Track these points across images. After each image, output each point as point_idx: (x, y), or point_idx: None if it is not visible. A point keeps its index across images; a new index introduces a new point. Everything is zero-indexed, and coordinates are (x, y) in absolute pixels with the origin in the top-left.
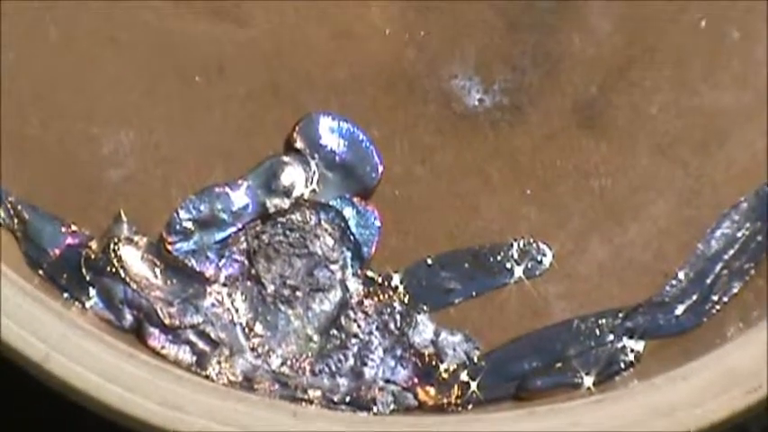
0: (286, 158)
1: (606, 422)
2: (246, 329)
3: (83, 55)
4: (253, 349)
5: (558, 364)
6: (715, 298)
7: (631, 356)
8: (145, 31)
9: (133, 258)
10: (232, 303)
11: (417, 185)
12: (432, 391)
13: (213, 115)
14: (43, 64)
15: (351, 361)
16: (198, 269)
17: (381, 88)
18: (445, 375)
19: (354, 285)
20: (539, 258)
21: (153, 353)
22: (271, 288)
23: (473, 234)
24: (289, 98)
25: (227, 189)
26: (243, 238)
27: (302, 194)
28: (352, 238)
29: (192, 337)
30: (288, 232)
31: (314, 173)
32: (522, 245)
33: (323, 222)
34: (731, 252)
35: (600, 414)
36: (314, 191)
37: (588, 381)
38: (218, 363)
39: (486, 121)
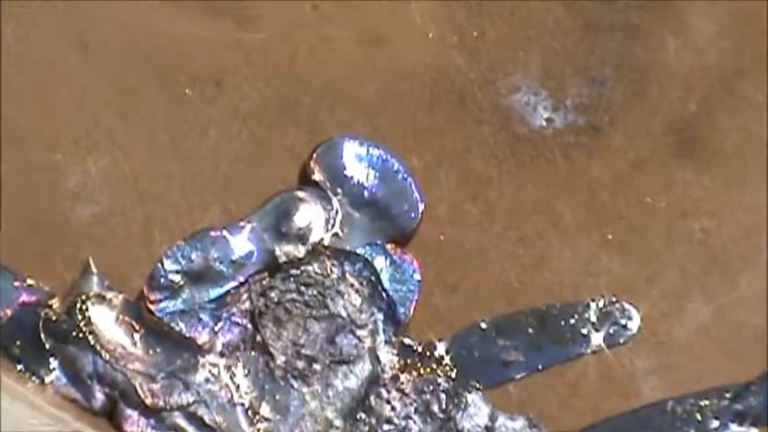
0: (301, 194)
1: None
2: (250, 412)
3: (44, 64)
4: None
5: None
6: None
7: None
8: (122, 34)
9: (106, 321)
10: (232, 378)
11: (468, 228)
12: None
13: (208, 139)
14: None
15: None
16: (188, 335)
17: (423, 106)
18: None
19: (387, 356)
20: (623, 322)
21: None
22: (281, 359)
23: (539, 291)
24: (304, 118)
25: (226, 233)
26: (245, 296)
27: (321, 240)
28: (384, 295)
29: (181, 422)
30: (303, 288)
31: (336, 212)
32: (601, 305)
33: (348, 276)
34: None
35: None
36: (336, 235)
37: None
38: None
39: (555, 147)
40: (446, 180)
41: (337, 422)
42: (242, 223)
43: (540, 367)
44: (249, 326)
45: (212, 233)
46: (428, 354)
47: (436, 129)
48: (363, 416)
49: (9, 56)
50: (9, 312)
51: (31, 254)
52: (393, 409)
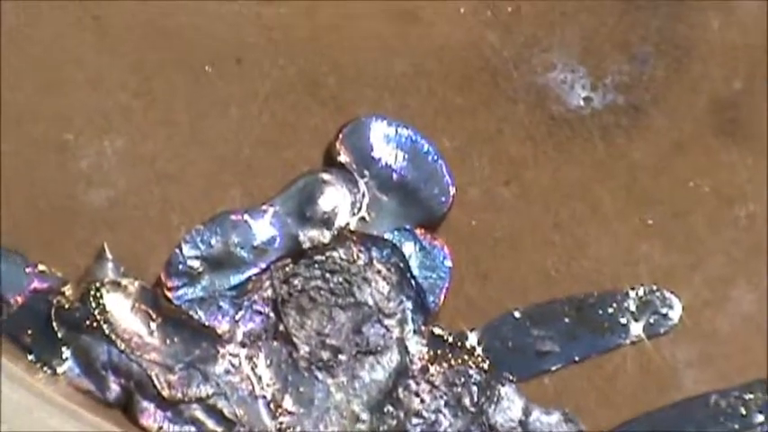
0: (326, 176)
1: None
2: (272, 404)
3: (54, 40)
4: (280, 431)
5: None
6: None
7: None
8: (138, 10)
9: (121, 309)
10: (253, 369)
11: (501, 213)
12: None
13: (228, 119)
14: (2, 51)
15: None
16: (207, 323)
17: (454, 84)
18: None
19: (416, 346)
20: (664, 311)
21: None
22: (305, 349)
23: (576, 278)
24: (330, 97)
25: (247, 217)
26: (268, 283)
27: (347, 224)
28: (413, 283)
29: (200, 415)
30: (328, 275)
31: (363, 195)
32: (641, 293)
33: (375, 262)
34: None
35: None
36: (363, 219)
37: None
38: None
39: (594, 128)
40: (478, 162)
41: (364, 415)
42: (264, 207)
43: (577, 358)
44: (271, 314)
45: (233, 217)
46: (459, 344)
47: (468, 108)
48: (391, 409)
49: (20, 34)
50: (20, 300)
51: (42, 238)
52: (422, 401)
